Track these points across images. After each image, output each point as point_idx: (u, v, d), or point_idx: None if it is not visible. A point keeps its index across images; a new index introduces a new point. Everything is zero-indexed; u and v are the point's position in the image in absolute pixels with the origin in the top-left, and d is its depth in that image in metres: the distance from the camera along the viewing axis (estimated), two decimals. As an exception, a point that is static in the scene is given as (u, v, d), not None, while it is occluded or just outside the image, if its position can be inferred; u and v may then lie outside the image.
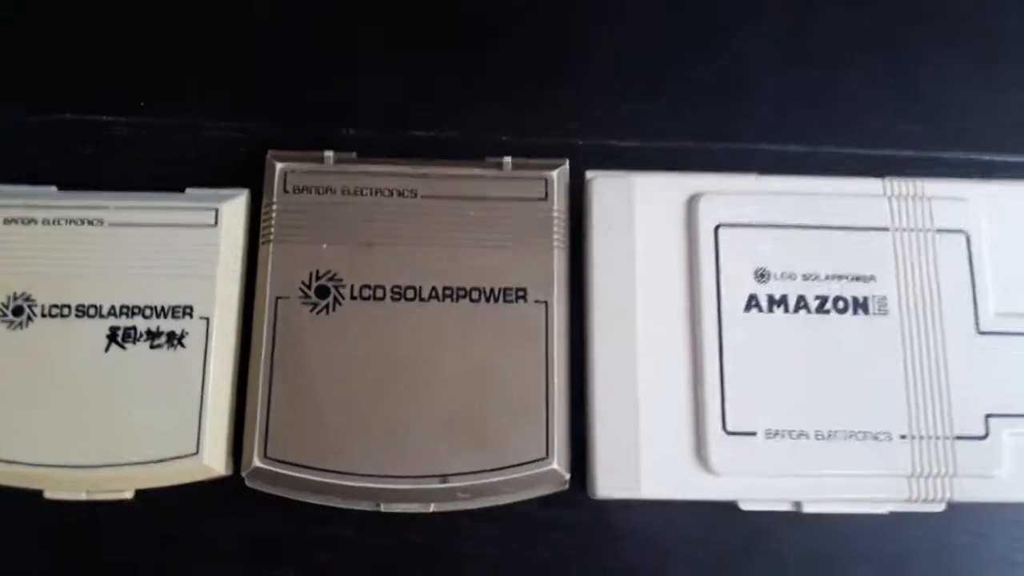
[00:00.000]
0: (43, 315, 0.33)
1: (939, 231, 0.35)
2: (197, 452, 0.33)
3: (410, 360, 0.34)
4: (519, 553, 0.35)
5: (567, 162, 0.36)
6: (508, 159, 0.36)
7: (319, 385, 0.33)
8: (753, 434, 0.33)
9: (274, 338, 0.34)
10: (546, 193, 0.35)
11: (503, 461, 0.33)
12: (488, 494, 0.33)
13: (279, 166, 0.35)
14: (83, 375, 0.33)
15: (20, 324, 0.33)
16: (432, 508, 0.33)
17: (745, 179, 0.35)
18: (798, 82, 0.39)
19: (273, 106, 0.38)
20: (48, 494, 0.33)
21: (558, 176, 0.36)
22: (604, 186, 0.35)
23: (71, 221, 0.34)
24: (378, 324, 0.34)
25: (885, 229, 0.35)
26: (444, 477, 0.33)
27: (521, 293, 0.34)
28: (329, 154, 0.36)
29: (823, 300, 0.34)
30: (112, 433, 0.33)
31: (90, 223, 0.34)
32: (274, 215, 0.35)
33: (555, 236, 0.35)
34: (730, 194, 0.35)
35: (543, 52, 0.40)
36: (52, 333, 0.33)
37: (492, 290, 0.34)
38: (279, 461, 0.33)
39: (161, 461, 0.32)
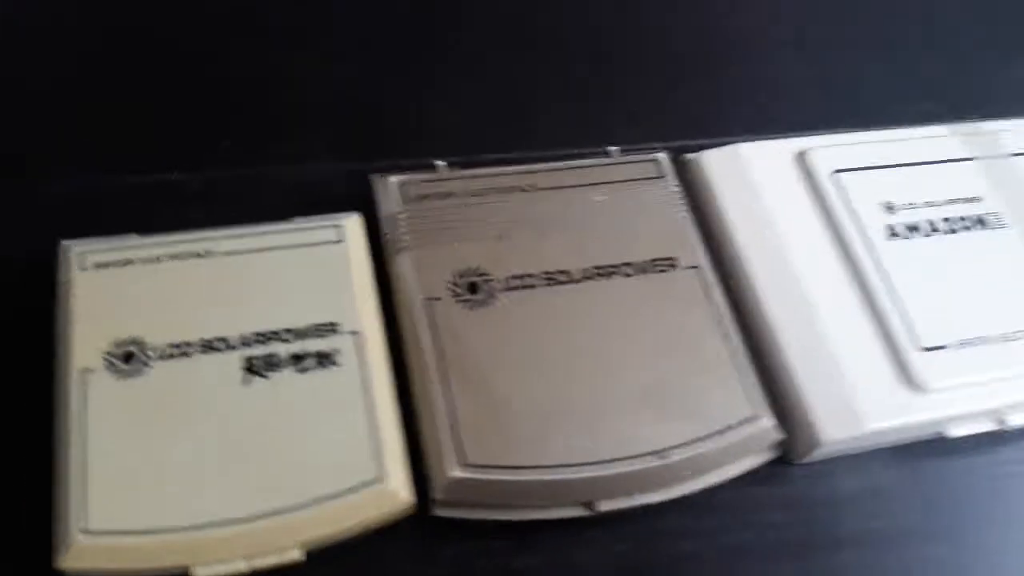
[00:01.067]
0: (160, 357, 0.27)
1: (1012, 155, 0.36)
2: (380, 478, 0.26)
3: (584, 340, 0.30)
4: (740, 540, 0.29)
5: (663, 150, 0.35)
6: (615, 148, 0.35)
7: (498, 381, 0.28)
8: (946, 347, 0.31)
9: (437, 341, 0.29)
10: (660, 172, 0.34)
11: (715, 426, 0.29)
12: (706, 467, 0.29)
13: (393, 179, 0.32)
14: (221, 416, 0.26)
15: (134, 372, 0.27)
16: (654, 499, 0.28)
17: (832, 136, 0.36)
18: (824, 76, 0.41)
19: (351, 145, 0.35)
20: (198, 572, 0.25)
21: (665, 158, 0.35)
22: (714, 159, 0.35)
23: (174, 257, 0.29)
24: (539, 310, 0.30)
25: (969, 159, 0.36)
26: (661, 453, 0.28)
27: (670, 261, 0.32)
28: (441, 163, 0.33)
29: (949, 221, 0.34)
30: (270, 476, 0.26)
31: (197, 255, 0.29)
32: (400, 224, 0.31)
33: (681, 208, 0.33)
34: (834, 146, 0.35)
35: (598, 63, 0.40)
36: (175, 375, 0.27)
37: (642, 262, 0.32)
38: (480, 467, 0.27)
39: (336, 497, 0.26)
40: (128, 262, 0.28)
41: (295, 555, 0.25)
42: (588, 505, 0.28)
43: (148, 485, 0.25)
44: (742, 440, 0.29)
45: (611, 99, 0.39)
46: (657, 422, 0.28)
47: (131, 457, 0.25)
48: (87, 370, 0.26)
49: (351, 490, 0.26)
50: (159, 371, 0.27)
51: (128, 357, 0.27)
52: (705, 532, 0.29)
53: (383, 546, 0.27)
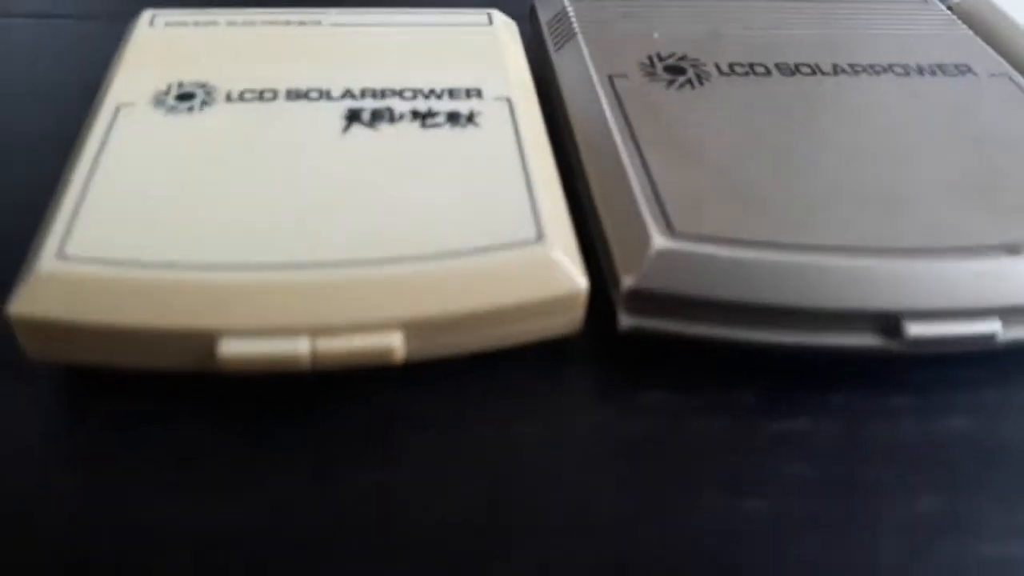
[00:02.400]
0: (228, 100, 0.18)
1: None
2: (539, 238, 0.15)
3: (852, 133, 0.19)
4: None
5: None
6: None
7: (723, 155, 0.18)
8: None
9: (624, 115, 0.19)
10: (924, 0, 0.24)
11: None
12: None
13: (562, -18, 0.24)
14: (301, 158, 0.17)
15: (188, 109, 0.18)
16: (998, 329, 0.16)
17: None
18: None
19: None
20: (226, 347, 0.14)
21: (924, -10, 0.25)
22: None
23: (271, 23, 0.21)
24: (777, 97, 0.20)
25: None
26: (1012, 247, 0.16)
27: (965, 67, 0.21)
28: (625, -24, 0.24)
29: None
30: (365, 222, 0.15)
31: (302, 24, 0.21)
32: (572, 18, 0.22)
33: (961, 26, 0.23)
34: None
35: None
36: (246, 115, 0.18)
37: (922, 65, 0.21)
38: (698, 237, 0.15)
39: (467, 255, 0.15)
40: (212, 23, 0.20)
41: (393, 341, 0.14)
42: (891, 329, 0.15)
43: (174, 212, 0.15)
44: None
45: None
46: (992, 213, 0.16)
47: (156, 187, 0.16)
48: (125, 105, 0.17)
49: (493, 249, 0.15)
50: (223, 111, 0.18)
51: (185, 97, 0.18)
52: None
53: (534, 377, 0.15)
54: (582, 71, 0.20)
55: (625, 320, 0.16)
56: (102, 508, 0.13)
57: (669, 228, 0.16)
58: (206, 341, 0.14)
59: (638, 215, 0.16)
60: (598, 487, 0.14)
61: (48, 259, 0.14)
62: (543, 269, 0.15)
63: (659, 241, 0.15)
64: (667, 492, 0.14)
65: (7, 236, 0.16)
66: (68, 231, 0.14)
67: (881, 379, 0.16)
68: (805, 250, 0.15)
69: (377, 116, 0.18)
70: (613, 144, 0.18)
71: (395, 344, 0.14)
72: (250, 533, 0.13)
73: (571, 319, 0.15)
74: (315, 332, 0.14)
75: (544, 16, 0.23)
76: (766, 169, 0.17)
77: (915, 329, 0.15)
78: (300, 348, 0.14)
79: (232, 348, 0.14)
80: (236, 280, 0.14)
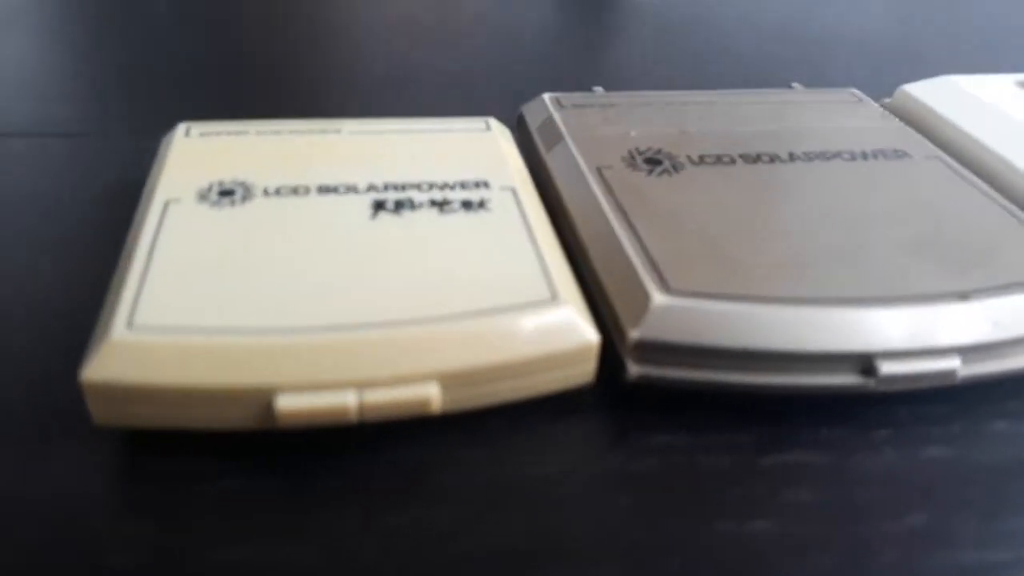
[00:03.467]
0: (266, 195, 0.20)
1: None
2: (553, 299, 0.17)
3: (812, 206, 0.21)
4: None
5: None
6: (797, 84, 0.28)
7: (702, 227, 0.20)
8: None
9: (613, 198, 0.21)
10: (859, 99, 0.27)
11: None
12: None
13: (546, 95, 0.26)
14: (336, 238, 0.18)
15: (231, 204, 0.19)
16: (958, 365, 0.17)
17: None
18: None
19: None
20: (283, 402, 0.15)
21: (858, 91, 0.28)
22: (926, 88, 0.28)
23: (295, 132, 0.23)
24: (744, 181, 0.22)
25: None
26: (964, 295, 0.18)
27: (902, 152, 0.24)
28: (599, 88, 0.27)
29: None
30: (403, 286, 0.17)
31: (323, 132, 0.23)
32: (559, 124, 0.24)
33: (895, 120, 0.26)
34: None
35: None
36: (283, 208, 0.19)
37: (864, 151, 0.24)
38: (691, 294, 0.17)
39: (496, 312, 0.17)
40: (242, 133, 0.22)
41: (431, 392, 0.15)
42: (867, 369, 0.17)
43: (229, 285, 0.16)
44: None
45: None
46: (940, 267, 0.19)
47: (210, 265, 0.17)
48: (173, 200, 0.19)
49: (514, 308, 0.16)
50: (262, 203, 0.19)
51: (226, 193, 0.20)
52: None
53: (553, 424, 0.17)
54: (573, 165, 0.22)
55: (633, 369, 0.17)
56: (169, 556, 0.14)
57: (665, 286, 0.17)
58: (264, 398, 0.15)
59: (637, 277, 0.18)
60: (619, 519, 0.15)
61: (119, 328, 0.15)
62: (560, 325, 0.16)
63: (658, 297, 0.17)
64: (681, 520, 0.15)
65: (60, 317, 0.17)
66: (135, 304, 0.16)
67: (863, 417, 0.18)
68: (786, 302, 0.17)
69: (400, 205, 0.19)
70: (607, 220, 0.19)
71: (432, 394, 0.15)
72: (307, 573, 0.14)
73: (585, 370, 0.17)
74: (361, 386, 0.15)
75: (533, 123, 0.25)
76: (743, 236, 0.19)
77: (888, 368, 0.17)
78: (349, 401, 0.15)
79: (288, 403, 0.15)
80: (289, 342, 0.15)
